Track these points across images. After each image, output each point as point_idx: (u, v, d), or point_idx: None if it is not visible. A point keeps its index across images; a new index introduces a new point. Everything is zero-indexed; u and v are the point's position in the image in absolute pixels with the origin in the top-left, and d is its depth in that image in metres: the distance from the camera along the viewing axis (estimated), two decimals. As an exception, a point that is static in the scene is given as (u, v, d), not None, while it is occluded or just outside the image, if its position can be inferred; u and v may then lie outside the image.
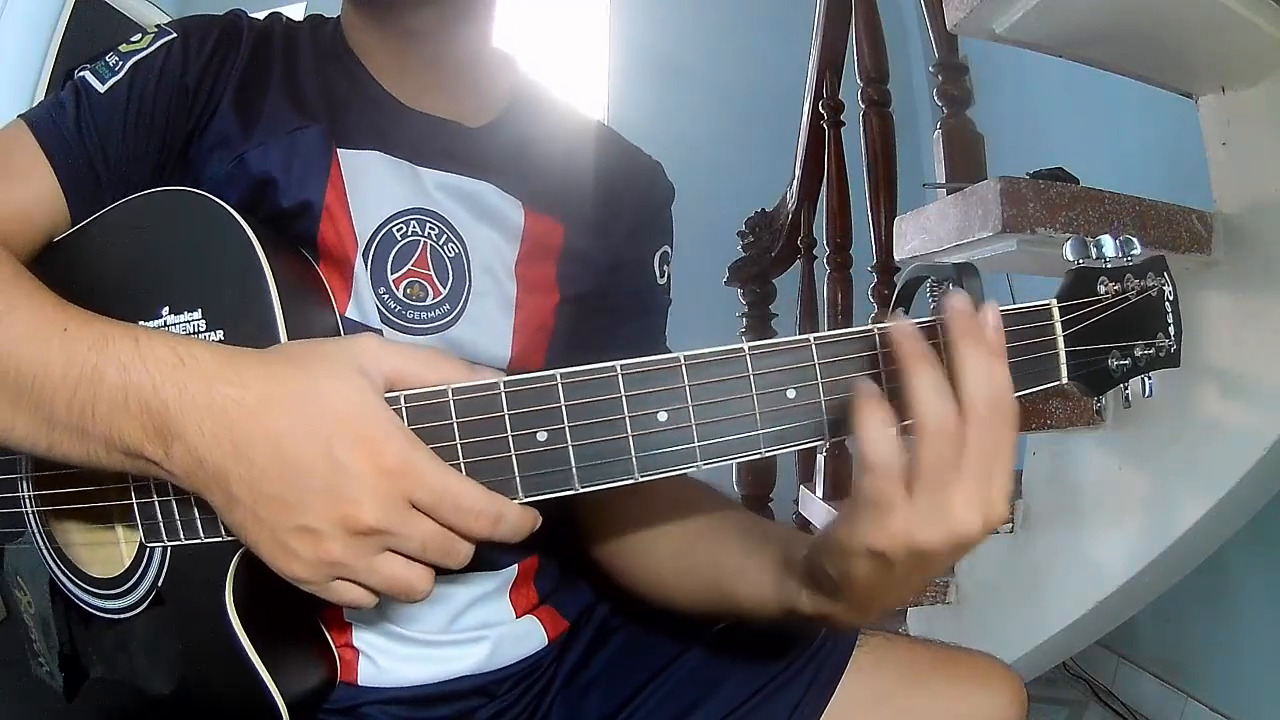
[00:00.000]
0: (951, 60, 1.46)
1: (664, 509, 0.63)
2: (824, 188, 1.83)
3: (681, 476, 0.45)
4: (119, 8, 2.42)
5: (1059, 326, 0.47)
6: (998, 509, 0.43)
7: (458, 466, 0.44)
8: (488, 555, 0.47)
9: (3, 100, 2.18)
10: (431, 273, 0.61)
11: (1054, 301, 0.48)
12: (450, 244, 0.62)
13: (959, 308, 0.43)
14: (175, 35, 0.60)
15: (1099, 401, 0.51)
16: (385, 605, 0.59)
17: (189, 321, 0.51)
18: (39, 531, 0.59)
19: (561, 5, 3.41)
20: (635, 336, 0.70)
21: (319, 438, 0.41)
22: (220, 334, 0.50)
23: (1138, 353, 0.49)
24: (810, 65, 1.87)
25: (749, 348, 0.44)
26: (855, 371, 0.44)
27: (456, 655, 0.64)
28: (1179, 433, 1.16)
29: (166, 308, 0.51)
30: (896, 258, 1.34)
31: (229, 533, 0.46)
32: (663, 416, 0.43)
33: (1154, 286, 0.50)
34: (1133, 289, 0.49)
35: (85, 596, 0.57)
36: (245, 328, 0.50)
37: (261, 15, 0.65)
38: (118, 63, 0.58)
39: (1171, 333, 0.50)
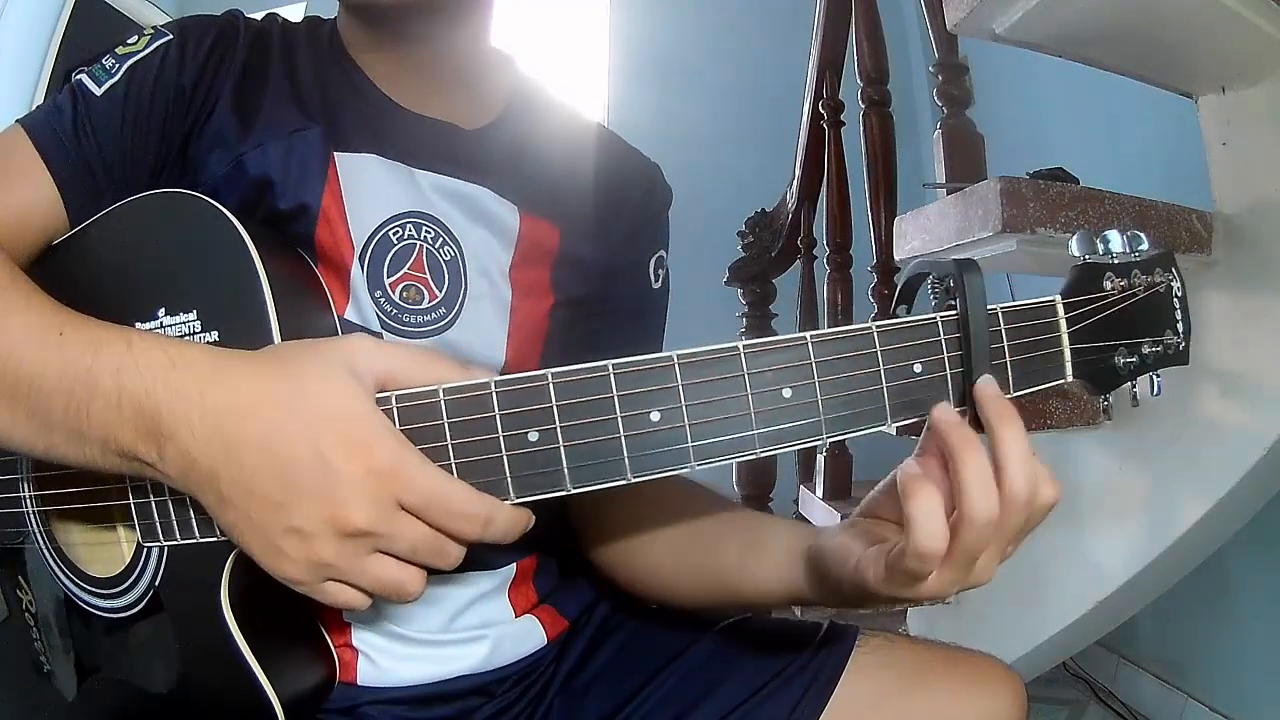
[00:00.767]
0: (951, 60, 1.46)
1: (659, 508, 0.63)
2: (824, 188, 1.83)
3: (675, 476, 0.45)
4: (119, 8, 2.42)
5: (1064, 323, 0.47)
6: (1011, 554, 0.46)
7: (449, 467, 0.44)
8: (485, 555, 0.47)
9: (3, 100, 2.18)
10: (427, 276, 0.61)
11: (1059, 298, 0.47)
12: (446, 247, 0.62)
13: (994, 394, 0.44)
14: (172, 37, 0.60)
15: (1106, 400, 0.50)
16: (383, 605, 0.59)
17: (185, 323, 0.51)
18: (40, 531, 0.59)
19: (561, 5, 3.41)
20: (631, 341, 0.70)
21: (309, 439, 0.42)
22: (215, 335, 0.50)
23: (1145, 350, 0.48)
24: (810, 65, 1.86)
25: (743, 346, 0.43)
26: (852, 370, 0.44)
27: (456, 655, 0.64)
28: (1179, 433, 1.16)
29: (163, 309, 0.51)
30: (896, 258, 1.34)
31: (223, 533, 0.46)
32: (655, 416, 0.43)
33: (1161, 282, 0.48)
34: (1140, 285, 0.48)
35: (85, 596, 0.57)
36: (240, 329, 0.50)
37: (259, 16, 0.65)
38: (114, 65, 0.58)
39: (1180, 330, 0.49)
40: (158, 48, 0.59)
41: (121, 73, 0.58)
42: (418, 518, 0.43)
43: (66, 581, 0.58)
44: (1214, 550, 1.29)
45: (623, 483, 0.44)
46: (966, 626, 1.48)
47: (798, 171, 1.95)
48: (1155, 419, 1.19)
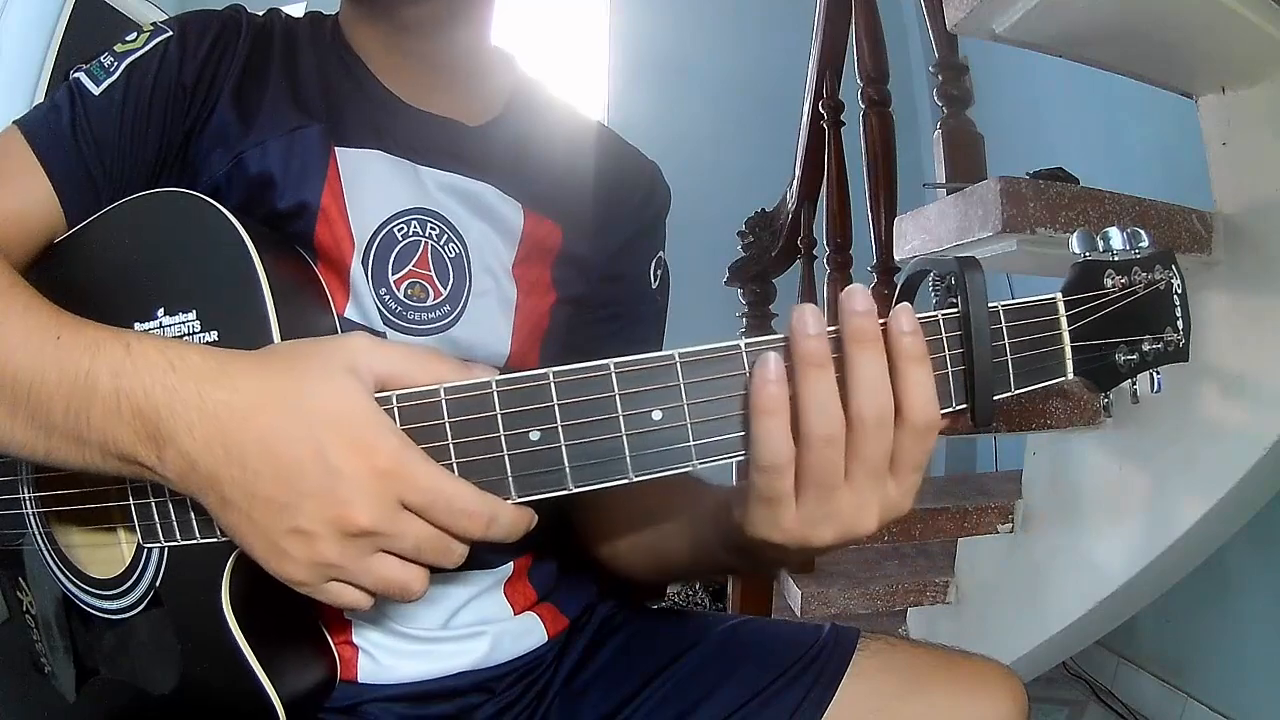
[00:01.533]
0: (951, 60, 1.46)
1: (651, 502, 0.63)
2: (824, 188, 1.83)
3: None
4: (119, 8, 2.41)
5: (1064, 321, 0.46)
6: (898, 508, 0.44)
7: (450, 466, 0.43)
8: (481, 554, 0.47)
9: (3, 100, 2.17)
10: (432, 273, 0.61)
11: (1059, 295, 0.47)
12: (451, 244, 0.62)
13: (855, 309, 0.41)
14: (171, 33, 0.59)
15: (1106, 398, 0.50)
16: (383, 603, 0.59)
17: (184, 323, 0.50)
18: (40, 533, 0.59)
19: (561, 5, 3.41)
20: (630, 342, 0.70)
21: (310, 439, 0.41)
22: (214, 335, 0.50)
23: (1145, 347, 0.48)
24: (810, 65, 1.86)
25: (745, 344, 0.43)
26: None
27: (456, 651, 0.64)
28: (1179, 433, 1.16)
29: (162, 309, 0.51)
30: (896, 258, 1.34)
31: (224, 535, 0.46)
32: (657, 415, 0.43)
33: (1162, 279, 0.48)
34: (1140, 282, 0.48)
35: (86, 597, 0.57)
36: (239, 329, 0.50)
37: (260, 12, 0.65)
38: (113, 63, 0.58)
39: (1180, 327, 0.49)
40: (157, 45, 0.58)
41: (120, 71, 0.57)
42: (420, 517, 0.43)
43: (67, 583, 0.58)
44: (1214, 550, 1.29)
45: (624, 481, 0.43)
46: (966, 627, 1.48)
47: (798, 171, 1.95)
48: (1155, 419, 1.19)
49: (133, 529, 0.51)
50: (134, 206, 0.54)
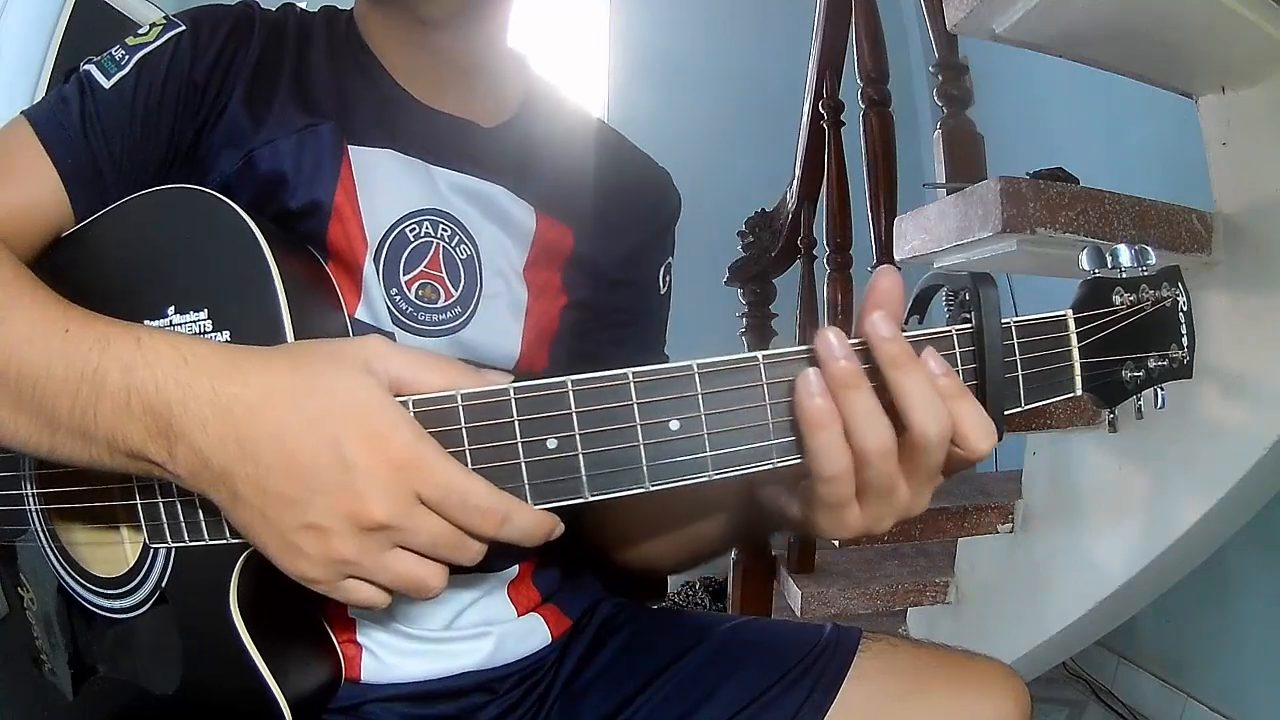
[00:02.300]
0: (951, 60, 1.46)
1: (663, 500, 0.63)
2: (824, 188, 1.83)
3: None
4: (119, 8, 2.41)
5: (1074, 337, 0.47)
6: (941, 480, 0.46)
7: None
8: (488, 557, 0.47)
9: (3, 100, 2.17)
10: (444, 274, 0.60)
11: (1069, 312, 0.47)
12: (463, 245, 0.61)
13: (883, 335, 0.42)
14: (184, 27, 0.58)
15: (1112, 414, 0.50)
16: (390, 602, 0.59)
17: (195, 321, 0.50)
18: (43, 530, 0.58)
19: (561, 5, 3.41)
20: (637, 346, 0.70)
21: (325, 434, 0.41)
22: (226, 335, 0.50)
23: (1151, 364, 0.49)
24: (810, 65, 1.86)
25: (763, 356, 0.43)
26: (872, 381, 0.44)
27: (460, 651, 0.64)
28: (1179, 433, 1.16)
29: (172, 307, 0.51)
30: (897, 258, 1.34)
31: (235, 533, 0.45)
32: (675, 425, 0.43)
33: (1168, 297, 0.49)
34: (1148, 300, 0.48)
35: (89, 596, 0.57)
36: (252, 328, 0.49)
37: (274, 7, 0.64)
38: (124, 57, 0.57)
39: (1185, 343, 0.50)
40: (169, 39, 0.58)
41: (131, 65, 0.57)
42: (435, 512, 0.42)
43: (70, 581, 0.57)
44: (1214, 550, 1.29)
45: (641, 491, 0.43)
46: (966, 627, 1.48)
47: (798, 171, 1.95)
48: (1155, 419, 1.19)
49: (137, 528, 0.51)
50: (145, 202, 0.53)
